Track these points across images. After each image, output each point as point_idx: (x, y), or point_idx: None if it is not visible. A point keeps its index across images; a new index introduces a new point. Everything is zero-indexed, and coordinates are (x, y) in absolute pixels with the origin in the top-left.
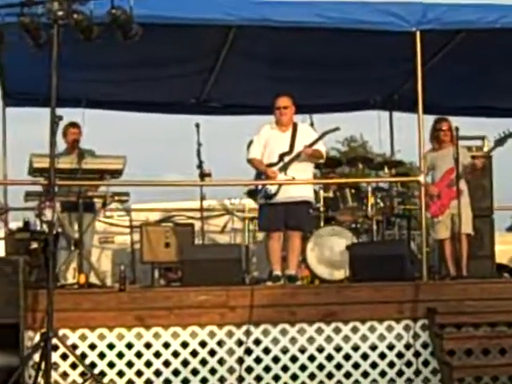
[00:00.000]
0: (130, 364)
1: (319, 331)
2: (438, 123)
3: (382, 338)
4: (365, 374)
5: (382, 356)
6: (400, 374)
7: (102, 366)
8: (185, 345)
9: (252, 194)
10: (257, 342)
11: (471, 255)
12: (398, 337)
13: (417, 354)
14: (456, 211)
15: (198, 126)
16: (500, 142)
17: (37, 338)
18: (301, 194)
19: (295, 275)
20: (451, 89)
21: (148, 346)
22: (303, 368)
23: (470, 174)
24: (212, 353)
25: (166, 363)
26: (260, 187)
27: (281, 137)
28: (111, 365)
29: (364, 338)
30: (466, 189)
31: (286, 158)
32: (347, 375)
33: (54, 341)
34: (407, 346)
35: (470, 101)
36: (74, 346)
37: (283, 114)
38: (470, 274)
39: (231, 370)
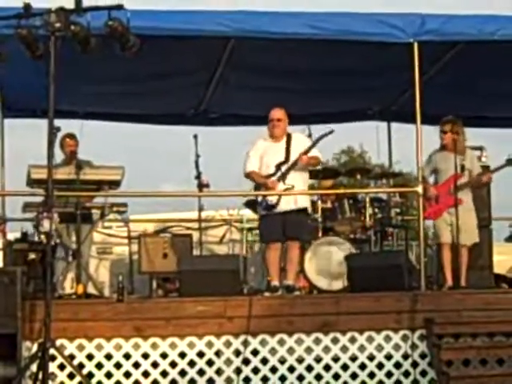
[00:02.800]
0: (127, 374)
1: (317, 341)
2: (441, 125)
3: (379, 348)
4: None
5: (380, 366)
6: None
7: (99, 376)
8: (182, 355)
9: (250, 204)
10: (254, 352)
11: (470, 266)
12: (396, 347)
13: (415, 364)
14: (457, 221)
15: (196, 137)
16: (498, 169)
17: (34, 348)
18: (297, 203)
19: (293, 285)
20: (449, 99)
21: (145, 356)
22: (301, 378)
23: (475, 187)
24: (210, 363)
25: (164, 374)
26: (260, 199)
27: (275, 147)
28: (109, 375)
29: (362, 348)
30: (469, 198)
31: (283, 168)
32: None
33: (52, 351)
34: (405, 356)
35: (468, 111)
36: (72, 357)
37: (276, 126)
38: (469, 285)
39: (229, 381)
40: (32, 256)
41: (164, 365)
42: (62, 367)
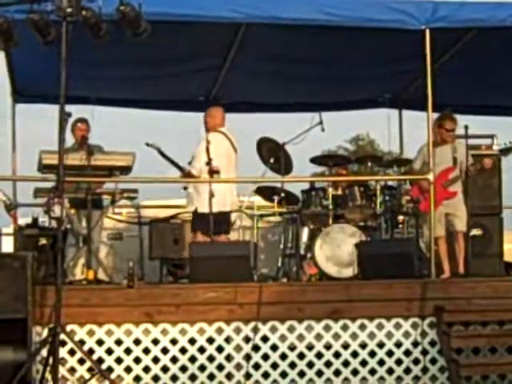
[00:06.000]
0: (137, 360)
1: (327, 328)
2: (448, 123)
3: (389, 335)
4: (372, 372)
5: (390, 353)
6: (407, 371)
7: (109, 361)
8: (192, 341)
9: (261, 191)
10: (264, 338)
11: (477, 254)
12: (406, 334)
13: (424, 352)
14: (451, 210)
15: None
16: (504, 152)
17: (45, 333)
18: None
19: None
20: (461, 87)
21: (156, 342)
22: (311, 365)
23: (478, 172)
24: (219, 349)
25: (174, 359)
26: None
27: None
28: (119, 361)
29: (372, 336)
30: (460, 189)
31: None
32: (354, 372)
33: (62, 336)
34: (415, 344)
35: (480, 99)
36: (82, 342)
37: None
38: (471, 273)
39: (238, 367)
40: (43, 241)
41: (174, 351)
42: (72, 352)
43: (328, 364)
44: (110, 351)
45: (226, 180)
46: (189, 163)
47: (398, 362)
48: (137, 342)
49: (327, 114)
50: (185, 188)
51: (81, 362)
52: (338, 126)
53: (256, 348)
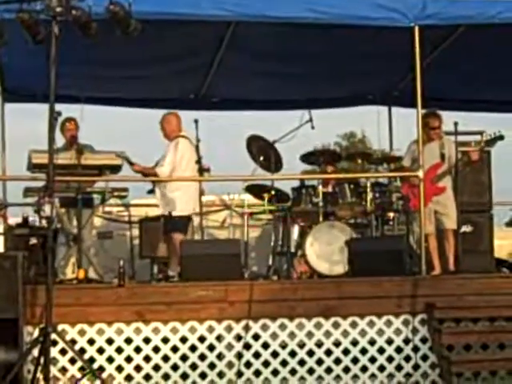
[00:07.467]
0: (128, 359)
1: (318, 326)
2: (431, 120)
3: (380, 332)
4: (364, 369)
5: (381, 351)
6: (399, 368)
7: (100, 361)
8: (184, 340)
9: (251, 189)
10: (256, 336)
11: (468, 250)
12: (397, 331)
13: (416, 349)
14: (440, 208)
15: (196, 121)
16: (489, 142)
17: (36, 333)
18: None
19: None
20: (451, 83)
21: (147, 340)
22: (302, 363)
23: (466, 166)
24: (211, 348)
25: (165, 358)
26: None
27: None
28: (110, 360)
29: (363, 333)
30: (449, 185)
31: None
32: (346, 370)
33: (53, 336)
34: (406, 341)
35: (470, 95)
36: (73, 341)
37: None
38: (461, 269)
39: (230, 365)
40: (33, 241)
41: (165, 349)
42: (63, 352)
43: (319, 362)
44: (101, 350)
45: (215, 179)
46: (156, 164)
47: (390, 359)
48: (128, 340)
49: (317, 112)
50: (149, 191)
51: (72, 361)
52: (328, 124)
53: (247, 346)
